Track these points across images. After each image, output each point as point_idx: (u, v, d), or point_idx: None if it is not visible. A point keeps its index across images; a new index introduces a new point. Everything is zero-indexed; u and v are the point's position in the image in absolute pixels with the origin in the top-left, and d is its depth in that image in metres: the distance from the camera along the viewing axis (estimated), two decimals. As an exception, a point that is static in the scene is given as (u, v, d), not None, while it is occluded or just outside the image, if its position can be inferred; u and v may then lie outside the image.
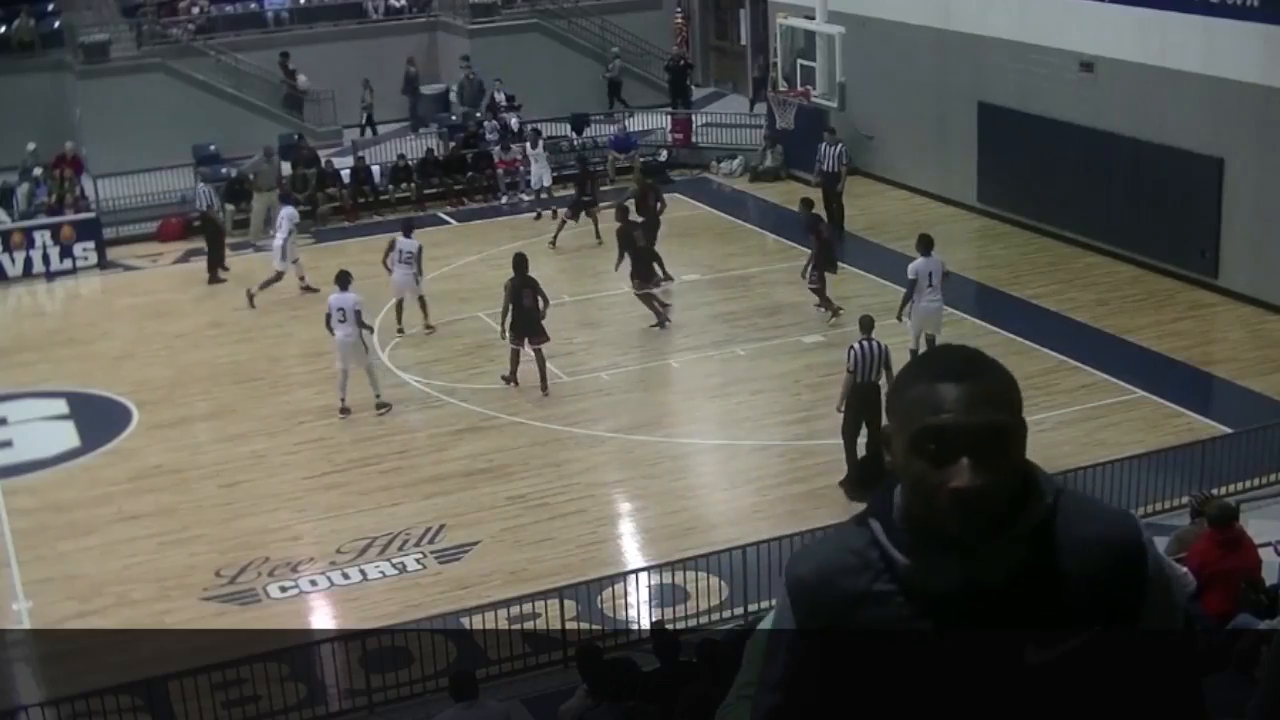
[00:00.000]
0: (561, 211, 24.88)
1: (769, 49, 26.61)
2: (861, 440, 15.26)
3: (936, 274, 17.66)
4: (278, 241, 22.61)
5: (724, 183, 28.75)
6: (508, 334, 18.40)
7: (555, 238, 24.38)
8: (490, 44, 32.11)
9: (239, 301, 22.50)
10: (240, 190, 26.40)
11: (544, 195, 26.99)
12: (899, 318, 17.86)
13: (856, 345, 15.32)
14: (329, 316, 18.11)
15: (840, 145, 24.86)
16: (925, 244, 18.02)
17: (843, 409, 15.36)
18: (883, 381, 15.15)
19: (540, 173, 27.17)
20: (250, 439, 17.43)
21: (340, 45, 32.06)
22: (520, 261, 18.65)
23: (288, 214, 22.93)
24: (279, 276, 22.47)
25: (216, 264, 24.15)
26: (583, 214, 24.58)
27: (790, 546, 13.05)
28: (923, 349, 17.56)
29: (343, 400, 18.03)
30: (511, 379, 18.50)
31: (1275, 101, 19.34)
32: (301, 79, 31.10)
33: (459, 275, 23.63)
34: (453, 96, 32.14)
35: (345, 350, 18.02)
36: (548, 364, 18.46)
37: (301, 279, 22.77)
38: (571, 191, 25.69)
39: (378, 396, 18.14)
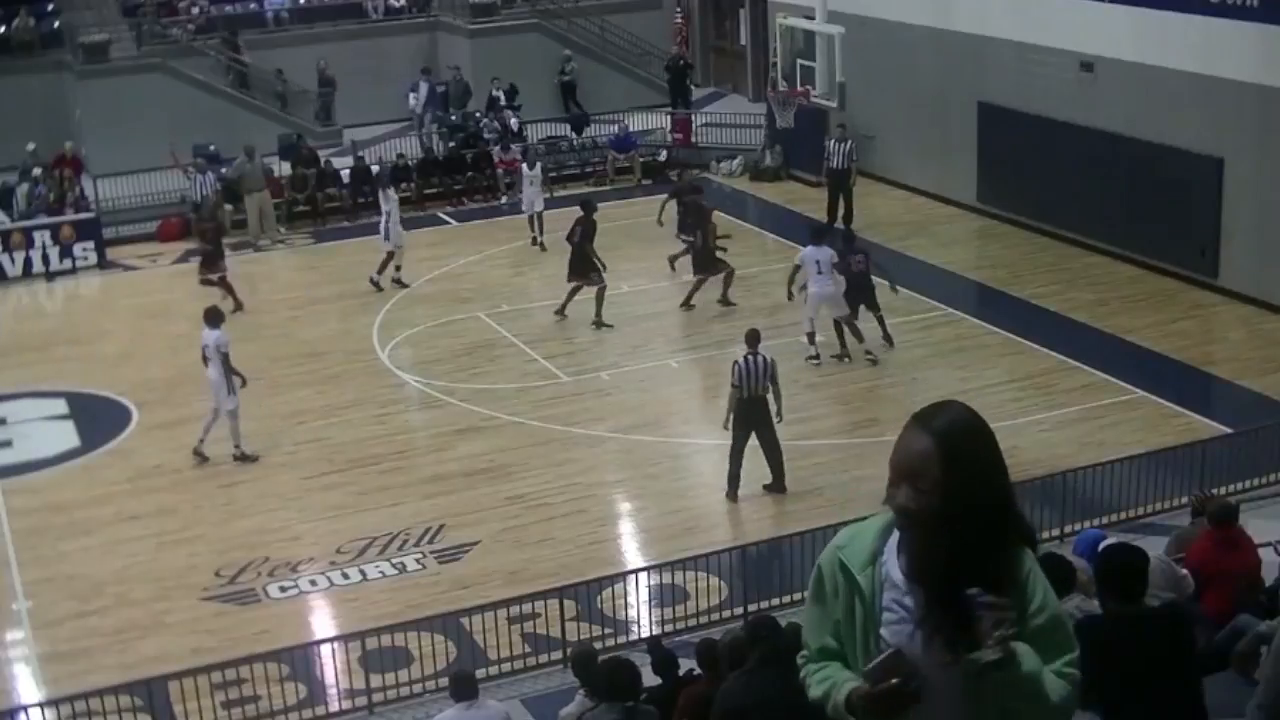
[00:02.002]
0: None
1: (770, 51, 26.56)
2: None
3: (825, 262, 18.57)
4: (383, 225, 22.71)
5: (724, 182, 28.73)
6: None
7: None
8: (490, 44, 32.08)
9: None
10: (235, 192, 26.34)
11: (536, 220, 24.80)
12: (789, 296, 19.29)
13: (741, 360, 15.26)
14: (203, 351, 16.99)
15: (850, 142, 24.87)
16: (815, 233, 19.50)
17: (729, 425, 15.30)
18: (769, 395, 15.22)
19: (533, 197, 24.95)
20: (250, 439, 17.36)
21: (340, 45, 32.02)
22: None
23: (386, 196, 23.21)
24: (390, 257, 22.75)
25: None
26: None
27: (790, 546, 13.09)
28: (817, 332, 18.62)
29: (238, 446, 16.96)
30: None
31: (1274, 101, 19.35)
32: (247, 56, 31.03)
33: (458, 275, 23.62)
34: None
35: (213, 390, 16.90)
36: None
37: (398, 268, 22.91)
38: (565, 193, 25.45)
39: (236, 447, 16.94)
